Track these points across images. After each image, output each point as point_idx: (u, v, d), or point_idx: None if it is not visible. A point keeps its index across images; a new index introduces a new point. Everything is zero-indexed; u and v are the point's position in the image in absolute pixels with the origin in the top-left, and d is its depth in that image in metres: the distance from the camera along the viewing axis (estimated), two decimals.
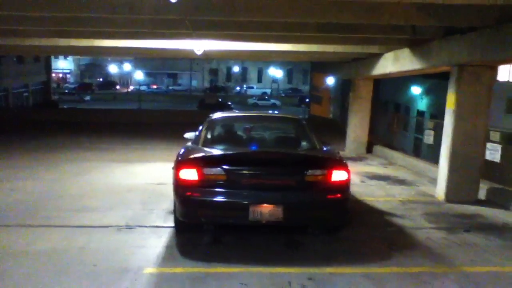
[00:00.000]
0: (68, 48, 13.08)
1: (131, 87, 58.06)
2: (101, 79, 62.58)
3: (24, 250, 5.02)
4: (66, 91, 51.58)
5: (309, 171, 5.06)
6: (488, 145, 7.91)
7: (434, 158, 10.10)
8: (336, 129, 18.45)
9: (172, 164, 5.47)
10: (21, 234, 5.55)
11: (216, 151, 5.50)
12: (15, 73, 29.53)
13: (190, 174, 4.98)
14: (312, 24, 7.78)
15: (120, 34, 9.30)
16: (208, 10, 6.52)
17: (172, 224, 5.75)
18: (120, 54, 24.97)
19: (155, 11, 6.53)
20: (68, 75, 63.81)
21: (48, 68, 35.80)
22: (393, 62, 10.30)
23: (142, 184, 8.43)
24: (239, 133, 6.59)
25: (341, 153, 7.49)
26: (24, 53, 22.45)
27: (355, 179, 8.82)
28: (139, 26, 7.97)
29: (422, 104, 21.77)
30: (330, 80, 30.11)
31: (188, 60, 56.94)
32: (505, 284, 4.54)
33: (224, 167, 4.98)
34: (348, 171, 5.18)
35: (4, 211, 6.54)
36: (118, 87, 58.46)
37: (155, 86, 61.53)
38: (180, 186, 5.08)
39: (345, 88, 22.83)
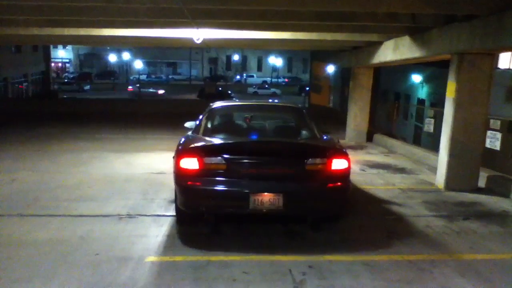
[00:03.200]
0: (65, 38, 13.01)
1: (132, 77, 57.74)
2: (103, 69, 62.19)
3: (25, 239, 5.05)
4: (66, 80, 51.44)
5: (309, 160, 5.08)
6: (488, 133, 7.91)
7: (434, 147, 10.12)
8: (336, 118, 18.44)
9: (172, 154, 5.48)
10: (22, 223, 5.58)
11: (217, 140, 5.51)
12: (14, 63, 29.44)
13: (190, 164, 4.99)
14: (309, 12, 7.74)
15: (118, 23, 9.25)
16: None
17: (173, 213, 5.78)
18: (118, 44, 24.86)
19: None
20: (67, 65, 63.58)
21: (47, 58, 35.71)
22: (393, 50, 10.26)
23: (142, 173, 8.45)
24: (239, 122, 6.59)
25: (341, 141, 7.49)
26: (21, 42, 22.35)
27: (355, 168, 8.85)
28: (137, 15, 7.91)
29: (422, 93, 21.72)
30: (330, 69, 30.04)
31: (188, 49, 56.66)
32: (504, 271, 4.58)
33: (225, 156, 4.99)
34: (348, 160, 5.19)
35: (5, 201, 6.56)
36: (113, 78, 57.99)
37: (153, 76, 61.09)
38: (180, 176, 5.09)
39: (345, 76, 22.79)
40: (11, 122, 16.55)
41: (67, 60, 63.19)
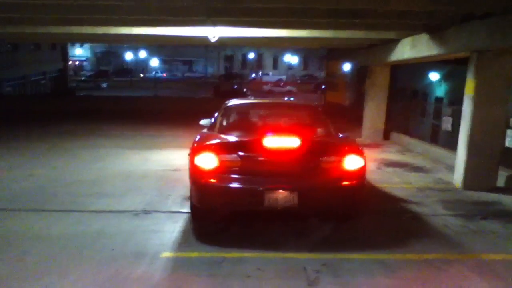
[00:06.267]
0: (82, 36, 13.14)
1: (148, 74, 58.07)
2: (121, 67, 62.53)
3: (42, 234, 5.13)
4: (83, 78, 52.01)
5: (325, 157, 5.06)
6: (508, 131, 7.78)
7: (452, 145, 9.97)
8: (352, 115, 18.30)
9: (187, 151, 5.51)
10: (39, 218, 5.67)
11: (232, 137, 5.51)
12: (32, 61, 29.85)
13: (205, 161, 5.00)
14: (325, 10, 7.68)
15: (133, 22, 9.29)
16: None
17: (188, 210, 5.80)
18: (134, 42, 25.02)
19: None
20: (84, 63, 64.34)
21: (65, 56, 36.15)
22: (410, 48, 10.14)
23: (157, 170, 8.50)
24: (255, 120, 6.59)
25: (357, 140, 7.45)
26: (40, 40, 22.63)
27: (371, 166, 8.76)
28: (153, 13, 7.95)
29: (440, 90, 21.40)
30: (346, 67, 29.81)
31: (203, 47, 56.87)
32: None
33: (240, 153, 5.00)
34: (364, 158, 5.16)
35: (22, 196, 6.66)
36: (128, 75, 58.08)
37: (165, 75, 61.05)
38: (195, 173, 5.11)
39: (361, 74, 22.57)
40: (29, 118, 16.80)
41: (84, 58, 63.92)
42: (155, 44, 44.27)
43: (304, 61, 65.89)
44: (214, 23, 8.64)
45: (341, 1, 6.57)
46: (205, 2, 6.61)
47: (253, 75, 62.56)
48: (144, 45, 51.49)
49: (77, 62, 62.06)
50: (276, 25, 9.22)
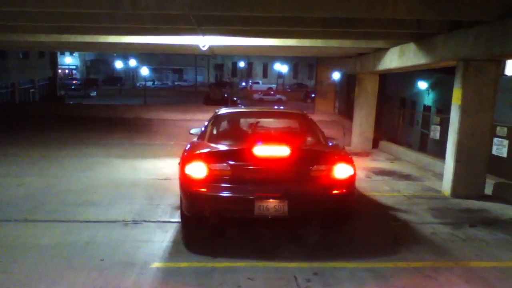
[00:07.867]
0: (71, 44, 13.12)
1: (139, 83, 57.88)
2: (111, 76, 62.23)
3: (31, 244, 5.07)
4: (72, 86, 51.69)
5: (314, 166, 5.08)
6: (495, 140, 7.87)
7: (440, 153, 10.07)
8: (341, 124, 18.41)
9: (177, 160, 5.50)
10: (28, 228, 5.61)
11: (222, 146, 5.52)
12: (21, 69, 29.65)
13: (196, 170, 5.00)
14: (315, 19, 7.75)
15: (124, 30, 9.30)
16: (211, 5, 6.50)
17: (178, 219, 5.79)
18: (124, 50, 24.98)
19: (158, 6, 6.51)
20: (74, 71, 63.98)
21: (54, 64, 35.93)
22: (398, 57, 10.25)
23: (147, 179, 8.47)
24: (245, 128, 6.61)
25: (347, 148, 7.49)
26: (29, 48, 22.50)
27: (360, 175, 8.81)
28: (143, 21, 7.96)
29: (429, 99, 21.64)
30: (336, 75, 29.99)
31: (193, 55, 56.84)
32: (510, 279, 4.54)
33: (230, 162, 5.00)
34: (353, 166, 5.18)
35: (12, 205, 6.59)
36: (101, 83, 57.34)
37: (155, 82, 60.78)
38: (186, 181, 5.10)
39: (351, 83, 22.75)
40: (19, 127, 16.65)
41: (74, 67, 63.61)
42: (145, 52, 44.20)
43: (294, 70, 66.14)
44: (204, 32, 8.67)
45: (334, 10, 6.62)
46: (195, 11, 6.62)
47: (243, 83, 62.62)
48: (135, 53, 51.38)
49: (66, 71, 61.72)
50: (267, 34, 9.28)
